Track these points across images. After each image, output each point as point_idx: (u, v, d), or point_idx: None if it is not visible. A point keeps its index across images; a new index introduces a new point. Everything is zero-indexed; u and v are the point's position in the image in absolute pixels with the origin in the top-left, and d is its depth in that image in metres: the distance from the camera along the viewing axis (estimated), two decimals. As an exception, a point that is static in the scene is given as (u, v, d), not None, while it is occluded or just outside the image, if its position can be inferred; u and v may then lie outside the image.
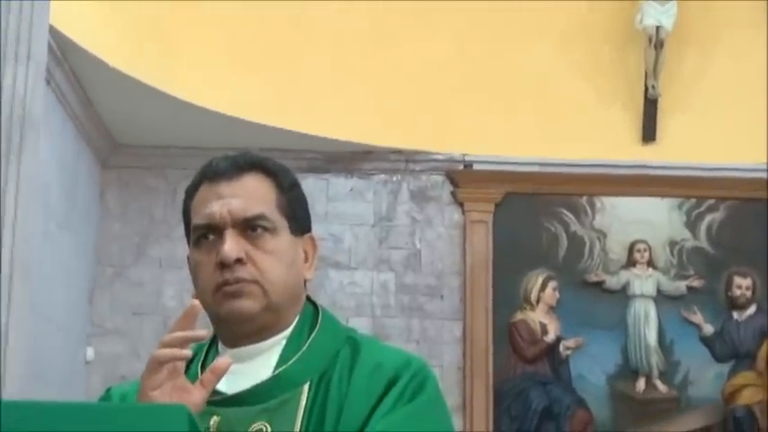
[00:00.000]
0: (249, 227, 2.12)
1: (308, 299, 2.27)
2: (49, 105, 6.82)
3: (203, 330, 2.03)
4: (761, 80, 8.30)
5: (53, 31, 6.57)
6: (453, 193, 8.59)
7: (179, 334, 1.99)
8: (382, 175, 8.59)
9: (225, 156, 2.21)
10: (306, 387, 2.10)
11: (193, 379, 2.08)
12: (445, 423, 2.11)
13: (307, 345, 2.16)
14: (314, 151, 8.38)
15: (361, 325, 8.02)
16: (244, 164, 2.18)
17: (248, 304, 2.10)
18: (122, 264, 8.24)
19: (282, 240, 2.15)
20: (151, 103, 7.63)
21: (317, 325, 2.20)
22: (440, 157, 8.58)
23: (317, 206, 8.34)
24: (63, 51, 6.95)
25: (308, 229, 2.23)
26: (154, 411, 1.71)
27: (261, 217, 2.12)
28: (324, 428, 2.03)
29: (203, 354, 2.23)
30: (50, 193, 7.03)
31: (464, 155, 8.59)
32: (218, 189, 2.14)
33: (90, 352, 7.97)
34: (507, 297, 8.44)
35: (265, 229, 2.13)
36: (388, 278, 8.44)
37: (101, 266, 8.25)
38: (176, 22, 7.64)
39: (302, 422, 2.04)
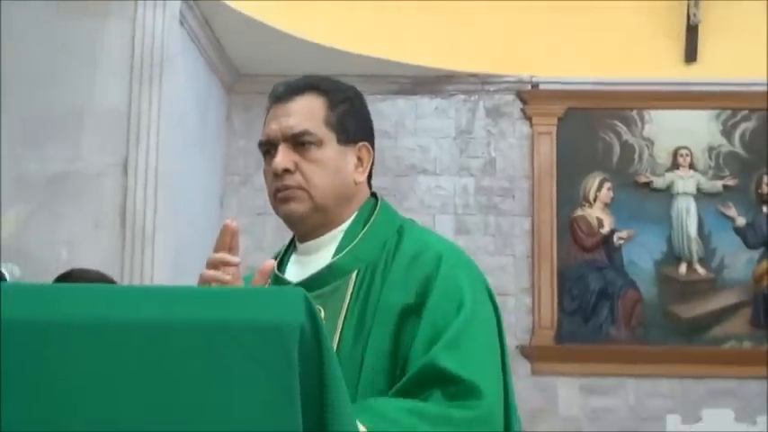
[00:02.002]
0: (298, 142, 2.12)
1: (375, 195, 2.27)
2: (183, 44, 6.93)
3: (237, 257, 2.07)
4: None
5: (186, -19, 6.65)
6: (522, 110, 8.57)
7: (217, 256, 2.06)
8: (462, 96, 8.56)
9: (285, 81, 2.23)
10: (354, 275, 2.09)
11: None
12: (486, 339, 2.05)
13: (359, 238, 2.14)
14: (404, 76, 8.39)
15: (444, 221, 8.16)
16: (297, 87, 2.19)
17: (296, 207, 2.12)
18: (247, 173, 8.32)
19: (328, 151, 2.14)
20: (266, 38, 7.67)
21: (372, 219, 2.19)
22: (510, 78, 8.52)
23: (407, 123, 8.40)
24: (196, -3, 7.00)
25: (364, 139, 2.22)
26: (272, 294, 1.64)
27: (306, 133, 2.12)
28: (366, 311, 2.03)
29: (284, 249, 2.27)
30: (187, 117, 7.13)
31: (531, 76, 8.54)
32: (276, 110, 2.17)
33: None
34: (569, 196, 8.45)
35: (311, 143, 2.12)
36: (468, 182, 8.47)
37: (229, 176, 8.38)
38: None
39: (348, 306, 2.05)
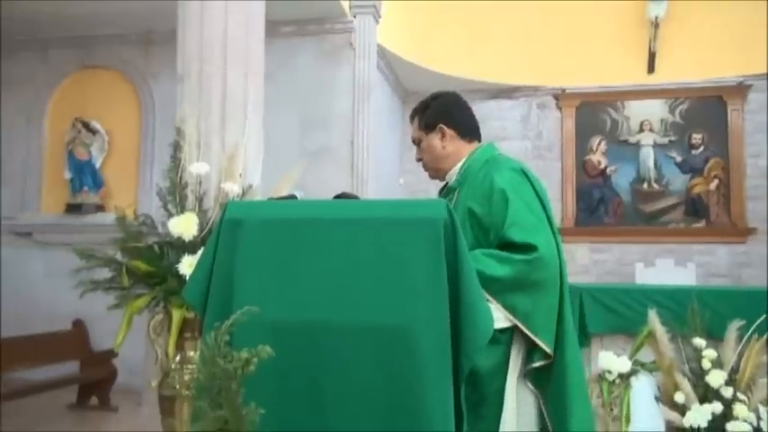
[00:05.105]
0: (415, 143, 2.06)
1: (482, 146, 2.03)
2: (379, 78, 6.91)
3: None
4: (714, 38, 7.60)
5: (379, 46, 6.63)
6: (557, 104, 8.22)
7: None
8: (524, 98, 8.26)
9: (413, 109, 2.09)
10: (458, 189, 1.95)
11: None
12: (533, 214, 1.82)
13: (462, 170, 1.98)
14: (492, 89, 8.14)
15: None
16: (412, 113, 2.08)
17: (430, 174, 2.06)
18: (412, 146, 8.25)
19: (425, 142, 2.02)
20: (421, 73, 7.53)
21: (470, 159, 2.00)
22: (549, 87, 8.18)
23: (494, 113, 8.20)
24: (383, 52, 6.96)
25: (440, 122, 1.99)
26: (422, 204, 1.51)
27: (414, 139, 2.06)
28: (457, 209, 1.84)
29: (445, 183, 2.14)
30: (381, 116, 7.09)
31: (561, 86, 8.16)
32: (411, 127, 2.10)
33: (402, 180, 8.04)
34: (582, 149, 8.12)
35: (418, 142, 2.04)
36: (527, 144, 8.23)
37: (403, 144, 8.29)
38: (424, 28, 7.47)
39: (456, 202, 1.89)
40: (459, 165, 2.01)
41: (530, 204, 1.84)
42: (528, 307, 1.73)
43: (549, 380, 1.76)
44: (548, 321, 1.75)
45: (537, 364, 1.75)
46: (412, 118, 2.08)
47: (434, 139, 2.02)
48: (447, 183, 2.09)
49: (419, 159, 2.06)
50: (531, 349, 1.77)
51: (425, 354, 1.32)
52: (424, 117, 2.03)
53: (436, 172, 2.05)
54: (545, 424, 1.76)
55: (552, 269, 1.78)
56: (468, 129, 2.05)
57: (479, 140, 2.07)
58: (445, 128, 2.01)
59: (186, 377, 2.40)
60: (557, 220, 8.34)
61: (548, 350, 1.74)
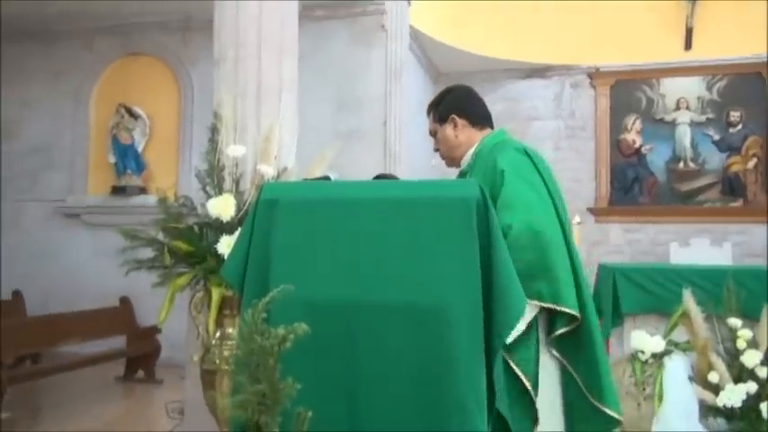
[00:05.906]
0: (432, 134, 2.09)
1: (493, 132, 2.06)
2: (411, 59, 6.85)
3: None
4: (752, 14, 7.29)
5: (411, 27, 6.56)
6: (591, 83, 8.02)
7: None
8: (557, 77, 8.08)
9: (429, 104, 2.13)
10: (468, 173, 1.98)
11: None
12: (524, 188, 1.81)
13: (473, 156, 2.02)
14: (524, 69, 8.00)
15: (547, 145, 7.83)
16: (428, 108, 2.12)
17: (446, 162, 2.10)
18: None
19: (440, 132, 2.06)
20: (452, 53, 7.45)
21: (480, 146, 2.02)
22: (583, 66, 7.99)
23: (527, 93, 8.08)
24: (415, 34, 6.91)
25: (452, 113, 2.04)
26: (454, 183, 1.54)
27: (431, 131, 2.09)
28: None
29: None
30: (413, 97, 6.99)
31: (596, 65, 7.96)
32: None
33: (434, 161, 8.01)
34: (617, 128, 7.91)
35: (434, 134, 2.08)
36: (560, 123, 8.05)
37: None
38: (456, 9, 7.36)
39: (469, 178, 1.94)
40: (471, 151, 2.04)
41: (526, 179, 1.83)
42: (544, 288, 1.72)
43: (577, 343, 1.79)
44: (566, 290, 1.75)
45: (561, 331, 1.78)
46: (428, 112, 2.11)
47: (448, 130, 2.05)
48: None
49: (436, 150, 2.10)
50: (553, 319, 1.80)
51: (458, 332, 1.31)
52: (438, 110, 2.07)
53: (451, 160, 2.08)
54: (566, 385, 1.81)
55: (536, 241, 1.72)
56: (480, 117, 2.07)
57: (491, 128, 2.08)
58: (457, 118, 2.04)
59: (226, 352, 2.45)
60: (590, 200, 8.14)
61: (577, 315, 1.76)
